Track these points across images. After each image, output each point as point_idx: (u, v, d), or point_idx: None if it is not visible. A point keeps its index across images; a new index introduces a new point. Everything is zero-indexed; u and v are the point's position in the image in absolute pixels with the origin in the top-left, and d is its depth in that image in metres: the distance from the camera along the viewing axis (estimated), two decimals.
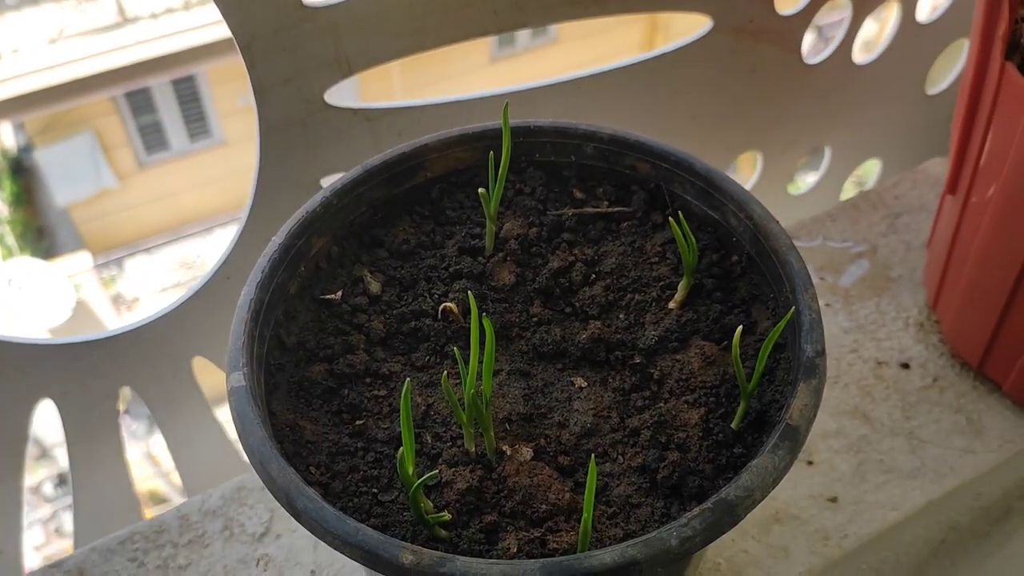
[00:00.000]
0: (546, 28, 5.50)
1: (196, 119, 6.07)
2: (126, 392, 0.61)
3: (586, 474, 0.42)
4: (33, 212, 6.97)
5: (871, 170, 0.87)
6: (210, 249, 5.87)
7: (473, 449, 0.42)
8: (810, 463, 0.61)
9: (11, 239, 6.27)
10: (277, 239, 0.45)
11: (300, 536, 0.59)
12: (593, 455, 0.36)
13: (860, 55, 0.73)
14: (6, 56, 5.31)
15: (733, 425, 0.42)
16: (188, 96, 6.02)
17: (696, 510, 0.35)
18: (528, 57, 5.84)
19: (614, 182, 0.51)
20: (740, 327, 0.39)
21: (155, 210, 6.26)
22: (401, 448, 0.36)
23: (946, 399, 0.63)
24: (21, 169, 6.91)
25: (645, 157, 0.49)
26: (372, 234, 0.49)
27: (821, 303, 0.69)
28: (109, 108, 6.50)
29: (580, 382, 0.45)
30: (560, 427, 0.43)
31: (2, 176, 6.78)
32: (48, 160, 6.67)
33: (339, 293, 0.47)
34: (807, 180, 0.84)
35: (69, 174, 6.54)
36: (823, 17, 0.69)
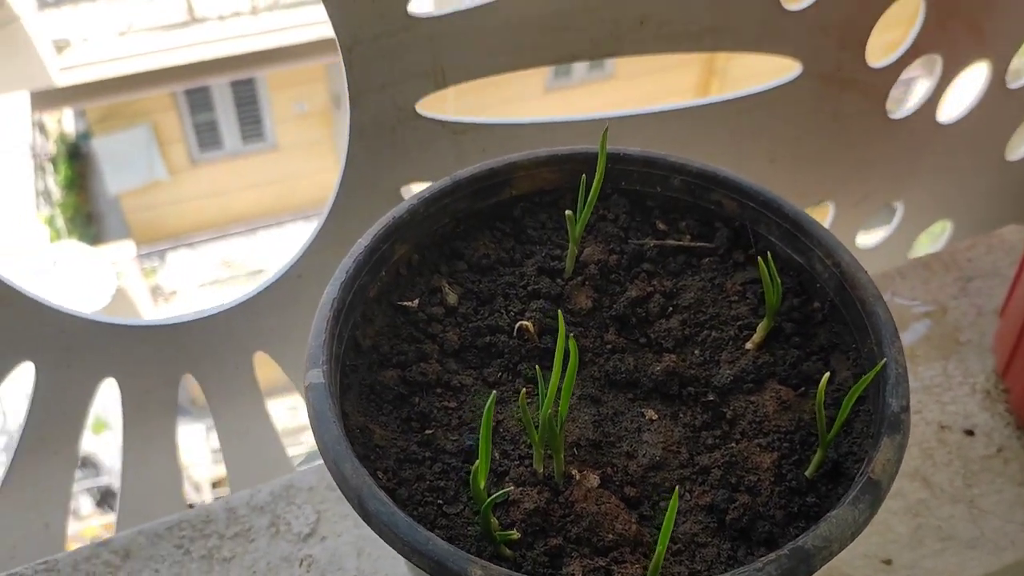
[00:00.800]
0: (603, 62, 5.53)
1: (251, 121, 6.17)
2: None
3: (651, 507, 0.41)
4: (85, 198, 7.10)
5: (942, 230, 0.86)
6: (252, 250, 5.94)
7: (541, 471, 0.41)
8: None
9: (61, 222, 6.40)
10: (363, 241, 0.45)
11: (345, 541, 0.59)
12: (677, 487, 0.35)
13: (944, 114, 0.73)
14: (76, 44, 5.44)
15: (807, 473, 0.41)
16: (246, 98, 6.12)
17: (772, 556, 0.35)
18: (582, 90, 5.87)
19: (698, 217, 0.50)
20: (827, 373, 0.39)
21: (202, 207, 6.35)
22: (476, 462, 0.36)
23: (1010, 471, 0.62)
24: (78, 155, 7.05)
25: (732, 194, 0.49)
26: (453, 246, 0.49)
27: None
28: (168, 104, 6.62)
29: (650, 414, 0.45)
30: (628, 457, 0.43)
31: (59, 160, 6.92)
32: (104, 148, 6.80)
33: (416, 301, 0.47)
34: (876, 234, 0.83)
35: (123, 164, 6.66)
36: (911, 71, 0.69)
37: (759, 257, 0.44)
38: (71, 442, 0.61)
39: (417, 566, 0.35)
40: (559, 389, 0.39)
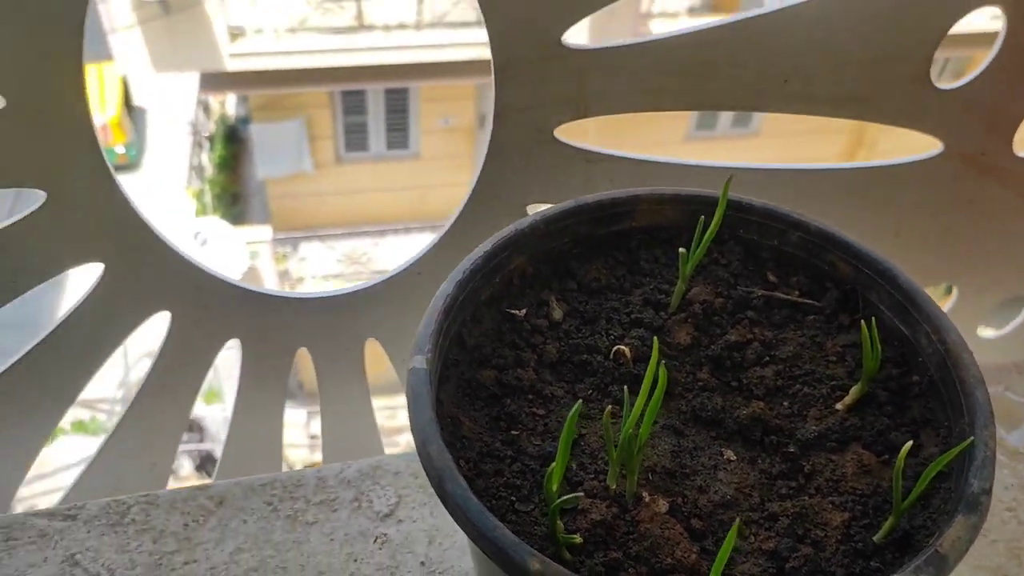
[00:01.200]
0: (748, 118, 5.46)
1: (398, 129, 6.39)
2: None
3: (714, 543, 0.42)
4: (234, 179, 7.48)
5: None
6: (378, 250, 6.13)
7: (614, 487, 0.43)
8: None
9: (208, 198, 6.77)
10: (484, 247, 0.48)
11: (419, 528, 0.62)
12: (739, 519, 0.36)
13: None
14: (249, 34, 5.76)
15: (876, 538, 0.41)
16: (397, 107, 6.34)
17: None
18: (724, 143, 5.81)
19: (810, 275, 0.51)
20: (910, 441, 0.39)
21: (340, 203, 6.60)
22: (552, 465, 0.38)
23: None
24: (235, 138, 7.45)
25: (848, 258, 0.49)
26: (568, 266, 0.52)
27: None
28: (324, 102, 6.92)
29: (729, 454, 0.46)
30: (700, 491, 0.44)
31: (216, 140, 7.32)
32: (260, 135, 7.14)
33: (524, 311, 0.50)
34: (999, 324, 0.81)
35: (274, 152, 6.99)
36: None
37: (862, 321, 0.44)
38: (189, 392, 0.67)
39: (481, 551, 0.38)
40: (643, 412, 0.40)
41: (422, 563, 0.60)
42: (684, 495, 0.44)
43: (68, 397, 0.64)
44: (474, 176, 0.58)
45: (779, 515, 0.43)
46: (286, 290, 0.64)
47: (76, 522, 0.62)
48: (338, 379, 0.68)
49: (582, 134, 0.60)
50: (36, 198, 0.53)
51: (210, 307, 0.61)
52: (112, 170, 0.53)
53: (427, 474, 0.40)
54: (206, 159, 7.39)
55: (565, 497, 0.38)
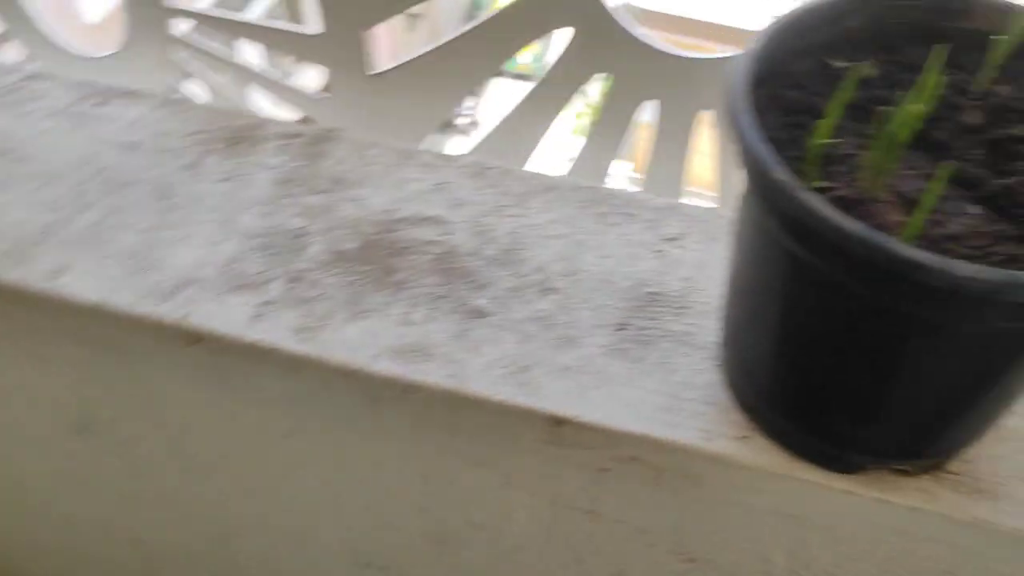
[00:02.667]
0: None
1: None
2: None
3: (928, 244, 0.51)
4: None
5: None
6: None
7: (866, 187, 0.53)
8: None
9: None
10: None
11: (693, 256, 0.75)
12: (946, 165, 0.45)
13: None
14: None
15: None
16: None
17: (995, 269, 0.44)
18: None
19: None
20: None
21: None
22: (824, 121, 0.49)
23: None
24: None
25: None
26: (894, 42, 0.61)
27: None
28: None
29: (974, 210, 0.53)
30: (935, 224, 0.53)
31: None
32: None
33: (846, 64, 0.60)
34: None
35: None
36: None
37: None
38: (615, 138, 0.84)
39: (743, 162, 0.50)
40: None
41: (685, 279, 0.74)
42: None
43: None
44: None
45: (996, 255, 0.50)
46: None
47: (451, 165, 0.82)
48: (678, 131, 0.81)
49: None
50: None
51: (642, 71, 0.77)
52: None
53: (727, 112, 0.53)
54: None
55: (827, 140, 0.49)
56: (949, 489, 0.62)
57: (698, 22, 5.37)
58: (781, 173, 0.48)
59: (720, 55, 0.81)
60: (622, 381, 0.67)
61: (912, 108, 0.49)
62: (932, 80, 0.51)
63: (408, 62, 0.91)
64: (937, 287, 0.45)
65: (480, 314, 0.71)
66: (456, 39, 0.90)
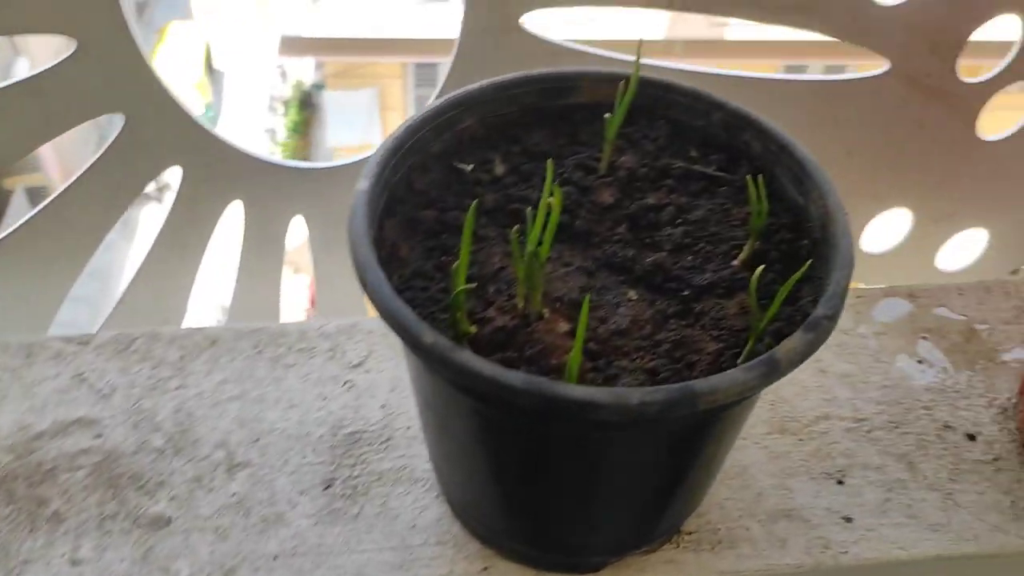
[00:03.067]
0: None
1: None
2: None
3: (606, 364, 0.49)
4: (305, 143, 7.65)
5: None
6: None
7: (522, 306, 0.50)
8: (840, 482, 0.64)
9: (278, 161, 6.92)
10: (435, 103, 0.55)
11: (384, 377, 0.69)
12: (588, 296, 0.43)
13: None
14: (331, 1, 5.90)
15: (739, 361, 0.47)
16: None
17: (663, 387, 0.42)
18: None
19: (728, 153, 0.57)
20: (762, 267, 0.45)
21: None
22: (458, 262, 0.45)
23: (1000, 479, 0.64)
24: (308, 103, 7.62)
25: (759, 136, 0.55)
26: (514, 132, 0.58)
27: (914, 360, 0.71)
28: (398, 73, 7.02)
29: (632, 295, 0.52)
30: (600, 321, 0.51)
31: (290, 105, 7.50)
32: (332, 102, 7.29)
33: (471, 167, 0.57)
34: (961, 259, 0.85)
35: (345, 120, 7.13)
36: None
37: (748, 178, 0.50)
38: (198, 249, 0.75)
39: (389, 326, 0.45)
40: (543, 231, 0.47)
41: (382, 406, 0.68)
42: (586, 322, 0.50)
43: (89, 247, 0.73)
44: (450, 61, 0.65)
45: (663, 342, 0.49)
46: (287, 160, 0.72)
47: (87, 347, 0.71)
48: (329, 246, 0.75)
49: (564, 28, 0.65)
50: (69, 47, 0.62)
51: (217, 167, 0.69)
52: (130, 25, 0.62)
53: (355, 269, 0.47)
54: (280, 123, 7.57)
55: (465, 286, 0.45)
56: (691, 551, 0.61)
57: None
58: (430, 336, 0.43)
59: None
60: (343, 549, 0.60)
61: (539, 218, 0.46)
62: (550, 173, 0.48)
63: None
64: (617, 419, 0.42)
65: (162, 522, 0.61)
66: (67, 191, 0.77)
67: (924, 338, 0.72)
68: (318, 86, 7.31)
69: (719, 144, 0.57)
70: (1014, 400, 0.68)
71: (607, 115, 0.54)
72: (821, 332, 0.44)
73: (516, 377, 0.42)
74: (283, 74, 7.47)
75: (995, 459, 0.65)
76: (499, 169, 0.57)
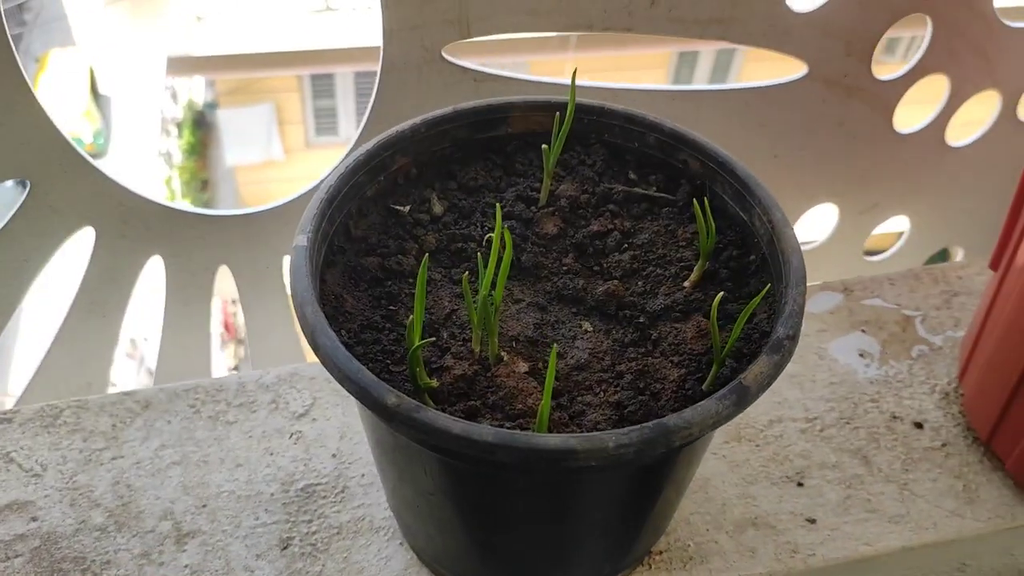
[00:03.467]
0: (727, 67, 5.51)
1: None
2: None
3: (569, 400, 0.48)
4: (203, 165, 7.45)
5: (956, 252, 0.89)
6: None
7: (478, 350, 0.48)
8: (800, 484, 0.64)
9: (177, 184, 6.74)
10: (367, 146, 0.53)
11: (332, 425, 0.67)
12: (555, 344, 0.42)
13: (954, 137, 0.77)
14: (216, 17, 5.75)
15: (704, 386, 0.47)
16: (366, 90, 6.36)
17: (638, 427, 0.41)
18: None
19: (666, 173, 0.57)
20: (721, 293, 0.45)
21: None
22: (412, 316, 0.43)
23: (950, 464, 0.65)
24: (202, 123, 7.42)
25: (697, 154, 0.55)
26: (448, 168, 0.57)
27: (856, 354, 0.72)
28: (293, 86, 6.90)
29: (587, 326, 0.51)
30: (558, 356, 0.50)
31: (184, 126, 7.29)
32: (228, 121, 7.12)
33: (408, 207, 0.55)
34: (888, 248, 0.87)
35: (243, 138, 6.97)
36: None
37: (695, 200, 0.50)
38: (118, 310, 0.71)
39: (348, 391, 0.43)
40: (496, 274, 0.46)
41: (333, 455, 0.65)
42: (544, 359, 0.49)
43: (1, 314, 0.69)
44: (373, 95, 0.63)
45: (625, 373, 0.48)
46: (206, 209, 0.69)
47: (11, 424, 0.66)
48: (259, 296, 0.72)
49: (475, 55, 0.64)
50: None
51: (130, 222, 0.65)
52: (31, 87, 0.58)
53: (303, 331, 0.45)
54: (175, 145, 7.35)
55: (422, 341, 0.43)
56: (663, 571, 0.61)
57: None
58: (393, 398, 0.41)
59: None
60: None
61: (492, 261, 0.45)
62: (499, 217, 0.47)
63: None
64: (594, 463, 0.41)
65: None
66: None
67: (863, 331, 0.74)
68: (211, 105, 7.12)
69: (657, 164, 0.57)
70: (954, 384, 0.70)
71: (544, 146, 0.53)
72: (785, 353, 0.44)
73: (488, 432, 0.40)
74: (174, 95, 7.25)
75: (943, 444, 0.66)
76: (437, 208, 0.55)
